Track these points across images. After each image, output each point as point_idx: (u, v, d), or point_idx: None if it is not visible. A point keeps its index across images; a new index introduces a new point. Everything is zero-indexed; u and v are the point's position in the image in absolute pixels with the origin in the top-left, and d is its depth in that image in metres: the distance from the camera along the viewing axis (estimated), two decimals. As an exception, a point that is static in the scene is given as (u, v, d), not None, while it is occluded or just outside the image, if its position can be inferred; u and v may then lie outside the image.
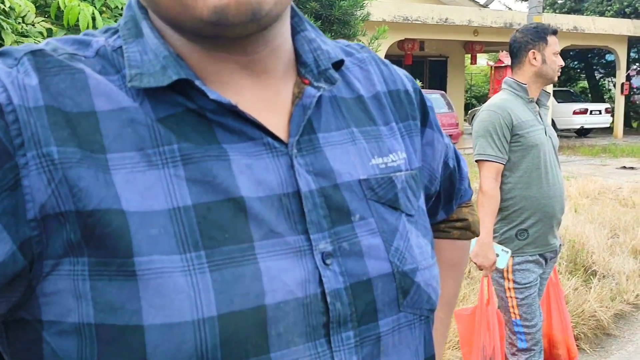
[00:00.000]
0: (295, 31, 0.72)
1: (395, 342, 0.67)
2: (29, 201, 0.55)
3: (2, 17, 3.31)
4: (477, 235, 1.05)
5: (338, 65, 0.71)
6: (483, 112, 2.79)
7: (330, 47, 0.72)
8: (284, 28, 0.67)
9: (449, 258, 1.01)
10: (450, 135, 13.55)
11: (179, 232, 0.57)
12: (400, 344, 0.68)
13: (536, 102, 2.84)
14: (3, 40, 3.32)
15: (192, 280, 0.56)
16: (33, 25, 3.58)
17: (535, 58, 2.80)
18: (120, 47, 0.64)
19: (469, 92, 25.16)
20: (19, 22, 3.50)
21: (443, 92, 15.97)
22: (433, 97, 14.46)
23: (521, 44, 2.84)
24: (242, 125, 0.62)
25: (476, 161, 2.73)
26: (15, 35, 3.40)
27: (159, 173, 0.58)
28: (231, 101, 0.60)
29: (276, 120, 0.66)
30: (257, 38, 0.62)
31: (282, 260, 0.60)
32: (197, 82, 0.59)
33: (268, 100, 0.66)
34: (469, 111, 21.74)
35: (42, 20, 3.69)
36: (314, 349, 0.60)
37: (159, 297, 0.55)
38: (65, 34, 3.73)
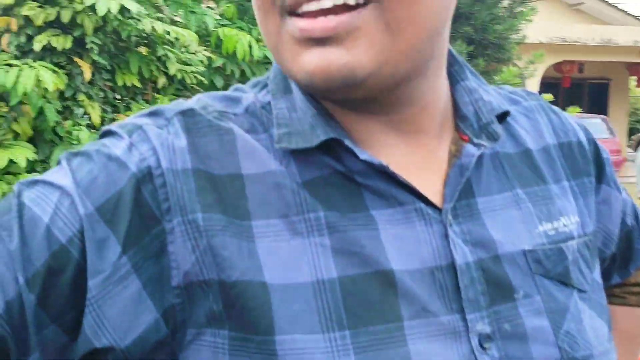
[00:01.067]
0: (454, 80, 0.66)
1: None
2: (173, 268, 0.53)
3: (167, 47, 3.52)
4: None
5: (502, 116, 0.64)
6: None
7: (494, 97, 0.66)
8: (435, 84, 0.61)
9: (625, 328, 0.89)
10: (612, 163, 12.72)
11: (323, 308, 0.52)
12: None
13: None
14: (168, 69, 3.53)
15: None
16: (195, 54, 3.78)
17: None
18: (269, 102, 0.62)
19: (633, 117, 23.57)
20: (183, 52, 3.71)
21: (604, 116, 15.07)
22: (593, 121, 13.67)
23: None
24: (393, 189, 0.57)
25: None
26: (179, 63, 3.60)
27: (304, 242, 0.54)
28: (382, 162, 0.56)
29: (430, 183, 0.60)
30: (397, 98, 0.58)
31: (434, 343, 0.53)
32: (346, 142, 0.55)
33: (421, 161, 0.61)
34: (633, 136, 20.34)
35: (204, 49, 3.89)
36: None
37: None
38: (223, 62, 3.90)
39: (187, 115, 0.59)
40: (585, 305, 0.63)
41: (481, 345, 0.55)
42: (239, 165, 0.57)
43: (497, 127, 0.62)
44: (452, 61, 0.66)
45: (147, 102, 3.59)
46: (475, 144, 0.61)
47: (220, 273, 0.53)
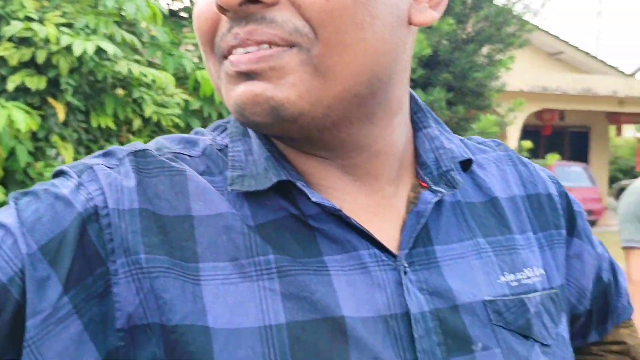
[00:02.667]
0: (417, 127, 0.66)
1: None
2: (117, 310, 0.52)
3: (144, 89, 3.50)
4: None
5: (467, 165, 0.64)
6: (632, 194, 2.53)
7: (456, 145, 0.65)
8: (386, 130, 0.61)
9: None
10: (591, 212, 12.80)
11: (269, 354, 0.51)
12: None
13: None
14: (143, 111, 3.51)
15: None
16: (172, 96, 3.77)
17: None
18: (227, 145, 0.62)
19: (613, 165, 23.86)
20: (159, 94, 3.69)
21: (585, 164, 15.23)
22: (574, 169, 13.80)
23: None
24: (346, 233, 0.56)
25: (623, 248, 2.46)
26: (155, 106, 3.58)
27: (252, 286, 0.54)
28: (335, 205, 0.55)
29: (386, 229, 0.59)
30: (340, 141, 0.58)
31: None
32: (298, 184, 0.56)
33: (376, 207, 0.60)
34: (613, 185, 20.56)
35: (181, 92, 3.88)
36: None
37: None
38: (201, 105, 3.89)
39: (138, 155, 0.58)
40: None
41: None
42: (189, 207, 0.56)
43: (457, 175, 0.62)
44: (415, 109, 0.66)
45: (122, 143, 3.55)
46: (433, 191, 0.60)
47: (161, 316, 0.52)
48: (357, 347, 0.52)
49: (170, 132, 3.83)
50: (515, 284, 0.62)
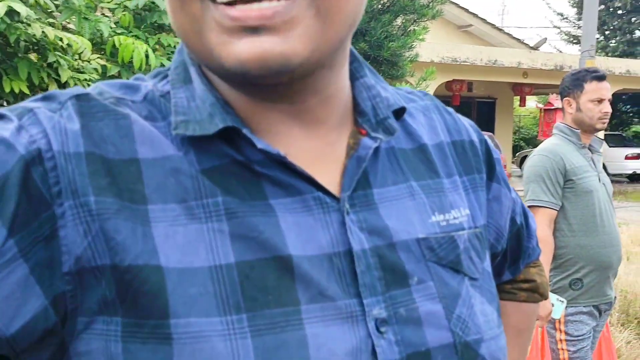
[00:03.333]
0: (354, 77, 0.67)
1: None
2: (64, 253, 0.52)
3: (59, 54, 3.40)
4: (546, 298, 0.97)
5: (399, 113, 0.67)
6: (535, 156, 2.72)
7: (391, 94, 0.68)
8: (338, 76, 0.62)
9: (515, 323, 0.94)
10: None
11: (220, 292, 0.53)
12: None
13: (589, 149, 2.76)
14: (60, 76, 3.41)
15: (232, 345, 0.51)
16: (89, 62, 3.67)
17: (570, 105, 2.77)
18: (169, 92, 0.61)
19: (517, 134, 24.84)
20: (76, 59, 3.59)
21: (491, 133, 15.78)
22: (480, 138, 14.23)
23: (561, 90, 2.83)
24: (291, 179, 0.58)
25: (528, 207, 2.65)
26: (72, 71, 3.49)
27: (202, 227, 0.54)
28: (280, 152, 0.57)
29: (328, 174, 0.61)
30: (303, 87, 0.58)
31: (331, 327, 0.54)
32: (244, 131, 0.56)
33: (320, 152, 0.62)
34: (517, 153, 21.44)
35: (98, 57, 3.78)
36: None
37: None
38: (119, 71, 3.81)
39: (81, 99, 0.57)
40: (476, 292, 0.65)
41: (378, 329, 0.56)
42: (136, 150, 0.56)
43: (394, 122, 0.64)
44: (351, 59, 0.68)
45: (37, 110, 3.45)
46: (372, 137, 0.63)
47: (113, 257, 0.52)
48: (303, 283, 0.55)
49: (87, 98, 3.74)
50: (444, 223, 0.66)
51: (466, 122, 0.79)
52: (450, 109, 0.79)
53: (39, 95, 0.59)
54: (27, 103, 0.57)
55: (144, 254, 0.52)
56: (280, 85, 0.57)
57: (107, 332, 0.52)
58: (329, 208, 0.59)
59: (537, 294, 0.95)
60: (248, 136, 0.56)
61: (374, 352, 0.55)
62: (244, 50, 0.50)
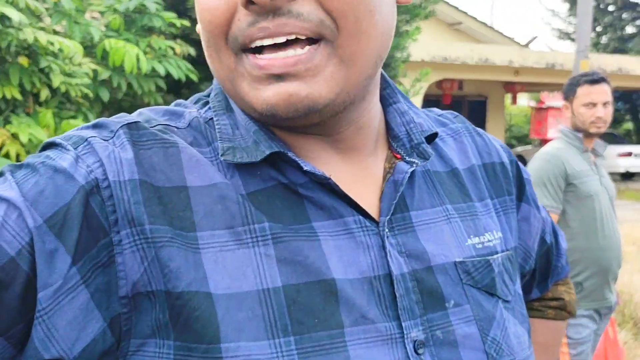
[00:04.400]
0: (387, 103, 0.70)
1: None
2: (121, 278, 0.54)
3: (51, 58, 3.36)
4: (574, 316, 0.98)
5: (431, 138, 0.69)
6: (536, 160, 2.72)
7: (424, 119, 0.70)
8: (371, 105, 0.65)
9: (543, 340, 0.94)
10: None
11: (268, 315, 0.54)
12: None
13: (592, 152, 2.75)
14: (51, 81, 3.37)
15: None
16: (80, 66, 3.64)
17: (568, 109, 2.80)
18: (212, 118, 0.63)
19: (508, 132, 24.89)
20: (67, 63, 3.55)
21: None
22: (473, 137, 14.25)
23: (563, 95, 2.86)
24: (334, 201, 0.60)
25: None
26: (63, 76, 3.45)
27: (249, 252, 0.56)
28: (325, 173, 0.59)
29: (367, 197, 0.63)
30: (336, 121, 0.61)
31: (372, 349, 0.56)
32: (290, 154, 0.58)
33: (358, 176, 0.64)
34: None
35: (89, 61, 3.75)
36: None
37: None
38: (110, 75, 3.78)
39: (132, 128, 0.59)
40: (509, 314, 0.67)
41: (416, 351, 0.58)
42: (184, 178, 0.58)
43: (428, 147, 0.66)
44: (384, 85, 0.70)
45: (29, 114, 3.41)
46: (407, 162, 0.64)
47: (167, 284, 0.54)
48: (346, 306, 0.56)
49: (79, 102, 3.70)
50: (480, 246, 0.67)
51: (497, 144, 0.80)
52: (481, 130, 0.81)
53: (89, 124, 0.61)
54: (79, 132, 0.59)
55: (196, 281, 0.54)
56: (316, 123, 0.60)
57: (160, 354, 0.54)
58: (369, 232, 0.61)
59: (565, 311, 0.96)
60: (294, 159, 0.58)
61: None
62: (271, 95, 0.55)
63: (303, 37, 0.54)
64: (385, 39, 0.59)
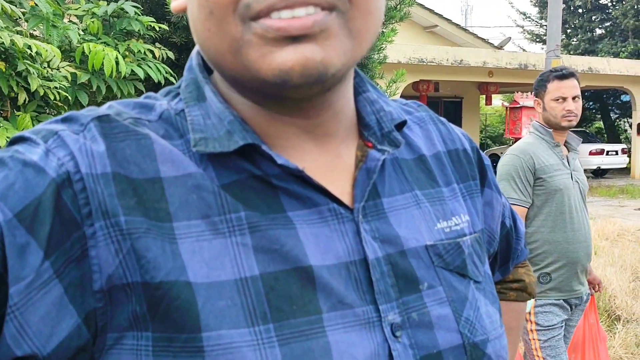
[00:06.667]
0: (357, 92, 0.70)
1: None
2: (95, 272, 0.54)
3: (28, 62, 3.37)
4: (534, 297, 1.01)
5: (400, 126, 0.70)
6: (507, 155, 2.79)
7: (393, 107, 0.71)
8: (346, 90, 0.66)
9: (506, 322, 0.95)
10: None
11: (247, 304, 0.55)
12: None
13: (566, 146, 2.83)
14: (29, 85, 3.38)
15: (261, 355, 0.53)
16: (58, 69, 3.64)
17: (539, 105, 2.86)
18: (183, 110, 0.63)
19: (483, 133, 25.13)
20: (45, 67, 3.56)
21: (458, 132, 15.93)
22: (449, 137, 14.35)
23: (534, 92, 2.93)
24: (308, 192, 0.60)
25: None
26: (41, 79, 3.46)
27: (226, 242, 0.57)
28: (298, 166, 0.59)
29: (340, 185, 0.64)
30: (320, 101, 0.61)
31: (351, 333, 0.57)
32: (263, 147, 0.58)
33: (331, 164, 0.65)
34: (484, 152, 21.72)
35: (67, 65, 3.75)
36: None
37: None
38: (89, 78, 3.79)
39: (103, 120, 0.59)
40: (480, 295, 0.69)
41: (393, 334, 0.59)
42: (158, 169, 0.57)
43: (398, 135, 0.67)
44: (354, 74, 0.70)
45: (6, 119, 3.41)
46: (379, 150, 0.65)
47: (144, 275, 0.54)
48: (324, 292, 0.57)
49: (57, 106, 3.71)
50: (448, 230, 0.69)
51: (458, 131, 0.82)
52: (443, 119, 0.83)
53: (59, 117, 0.60)
54: (49, 125, 0.58)
55: (174, 271, 0.54)
56: (303, 100, 0.60)
57: (138, 346, 0.54)
58: (344, 219, 0.61)
59: (525, 293, 1.00)
60: (268, 152, 0.58)
61: (390, 356, 0.58)
62: (287, 58, 0.53)
63: (320, 9, 0.53)
64: (378, 29, 0.60)
